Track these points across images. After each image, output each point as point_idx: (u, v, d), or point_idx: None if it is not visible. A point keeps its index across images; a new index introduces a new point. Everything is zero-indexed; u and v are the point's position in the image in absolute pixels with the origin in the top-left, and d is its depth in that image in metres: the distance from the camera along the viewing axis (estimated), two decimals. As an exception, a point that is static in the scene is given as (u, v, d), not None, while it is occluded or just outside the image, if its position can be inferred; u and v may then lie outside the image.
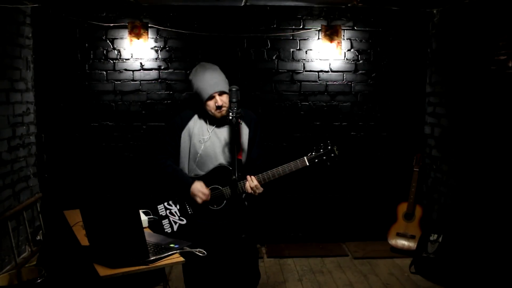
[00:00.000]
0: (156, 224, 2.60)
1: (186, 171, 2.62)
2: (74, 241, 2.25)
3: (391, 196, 4.40)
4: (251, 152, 2.64)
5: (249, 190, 2.48)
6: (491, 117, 3.41)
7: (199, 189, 2.51)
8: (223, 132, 2.59)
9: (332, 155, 2.52)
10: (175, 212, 2.61)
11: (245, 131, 2.61)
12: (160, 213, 2.63)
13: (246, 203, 2.67)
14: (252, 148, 2.65)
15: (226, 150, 2.57)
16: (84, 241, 2.17)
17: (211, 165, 2.58)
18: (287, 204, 4.41)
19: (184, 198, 2.60)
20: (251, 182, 2.46)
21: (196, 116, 2.64)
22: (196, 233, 2.55)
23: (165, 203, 2.64)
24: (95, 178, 4.24)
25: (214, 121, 2.59)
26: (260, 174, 2.49)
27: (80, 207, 2.12)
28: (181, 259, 2.04)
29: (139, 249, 1.94)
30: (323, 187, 4.41)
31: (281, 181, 2.68)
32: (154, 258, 1.97)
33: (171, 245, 2.13)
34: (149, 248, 2.06)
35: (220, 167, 2.57)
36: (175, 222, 2.60)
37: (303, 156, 2.51)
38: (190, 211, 2.60)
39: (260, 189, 2.49)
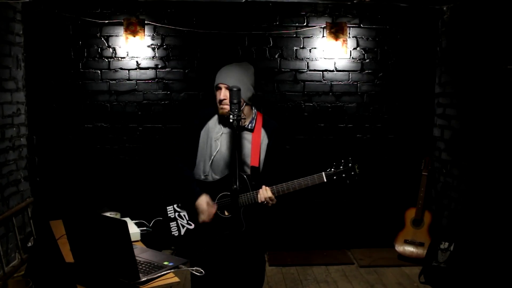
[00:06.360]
0: (163, 226, 2.46)
1: (201, 172, 2.47)
2: (59, 257, 2.06)
3: (399, 201, 4.23)
4: (268, 163, 2.47)
5: (262, 200, 2.33)
6: (506, 119, 3.24)
7: (205, 209, 2.35)
8: (241, 137, 2.44)
9: (353, 173, 2.36)
10: (184, 215, 2.47)
11: (264, 139, 2.46)
12: (169, 215, 2.48)
13: (259, 214, 2.52)
14: (270, 160, 2.47)
15: (243, 155, 2.42)
16: (69, 257, 1.98)
17: (225, 171, 2.43)
18: (289, 209, 4.23)
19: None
20: (265, 193, 2.32)
21: (216, 116, 2.49)
22: (203, 241, 2.42)
23: (175, 205, 2.48)
24: (89, 182, 4.08)
25: (227, 122, 2.43)
26: (274, 186, 2.35)
27: (62, 218, 1.92)
28: (176, 279, 1.85)
29: (128, 269, 1.74)
30: (327, 192, 4.24)
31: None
32: (145, 279, 1.77)
33: (165, 263, 1.93)
34: (140, 267, 1.86)
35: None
36: (183, 226, 2.46)
37: (321, 172, 2.36)
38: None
39: (274, 201, 2.35)
